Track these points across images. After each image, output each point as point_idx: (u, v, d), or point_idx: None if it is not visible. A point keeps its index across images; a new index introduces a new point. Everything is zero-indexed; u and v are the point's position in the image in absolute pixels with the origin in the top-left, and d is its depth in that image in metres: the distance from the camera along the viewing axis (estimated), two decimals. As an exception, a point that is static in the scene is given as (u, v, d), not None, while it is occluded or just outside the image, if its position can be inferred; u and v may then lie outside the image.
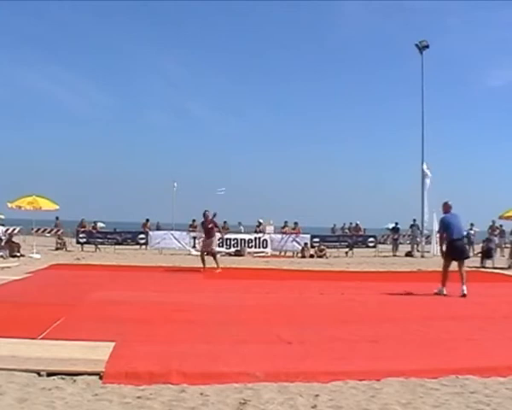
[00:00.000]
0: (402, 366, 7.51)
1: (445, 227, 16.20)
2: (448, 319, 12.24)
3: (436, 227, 38.22)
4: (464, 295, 15.29)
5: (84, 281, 17.78)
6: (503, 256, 33.86)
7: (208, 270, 22.24)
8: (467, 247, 15.98)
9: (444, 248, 16.28)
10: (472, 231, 38.99)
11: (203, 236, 25.01)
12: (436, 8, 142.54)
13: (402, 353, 8.59)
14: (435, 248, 37.42)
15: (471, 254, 37.27)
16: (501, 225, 38.65)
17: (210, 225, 23.76)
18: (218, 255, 25.93)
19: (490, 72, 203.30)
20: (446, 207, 16.65)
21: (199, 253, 30.66)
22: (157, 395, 6.28)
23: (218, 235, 24.87)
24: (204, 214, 23.92)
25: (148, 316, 11.55)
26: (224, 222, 38.42)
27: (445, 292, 15.67)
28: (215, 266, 22.82)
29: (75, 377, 6.83)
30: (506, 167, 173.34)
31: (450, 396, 6.41)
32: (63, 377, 6.88)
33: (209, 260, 22.95)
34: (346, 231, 43.28)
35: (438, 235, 17.44)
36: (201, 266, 22.96)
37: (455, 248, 16.20)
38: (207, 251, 23.83)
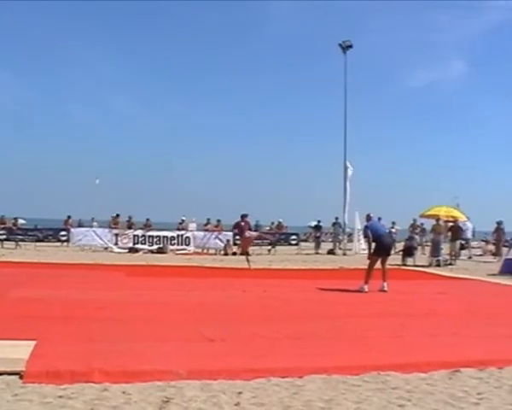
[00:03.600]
0: (324, 363, 7.59)
1: (373, 230, 16.79)
2: (370, 316, 12.45)
3: (358, 225, 38.94)
4: (384, 291, 15.65)
5: (3, 279, 17.42)
6: (424, 254, 34.52)
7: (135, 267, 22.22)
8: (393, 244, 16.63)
9: (372, 248, 16.69)
10: (393, 230, 39.67)
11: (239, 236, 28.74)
12: (358, 9, 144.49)
13: (324, 350, 8.68)
14: (357, 246, 38.07)
15: (393, 252, 38.06)
16: (422, 224, 39.42)
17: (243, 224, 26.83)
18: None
19: (410, 73, 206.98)
20: (368, 219, 17.46)
21: (122, 250, 30.77)
22: (79, 394, 6.20)
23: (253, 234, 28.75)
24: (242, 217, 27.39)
25: (69, 314, 11.36)
26: (147, 219, 38.26)
27: (366, 289, 15.94)
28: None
29: (-6, 377, 6.71)
30: (427, 167, 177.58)
31: (372, 392, 6.51)
32: (-19, 377, 6.74)
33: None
34: (269, 228, 43.45)
35: (364, 238, 18.20)
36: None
37: (384, 245, 16.84)
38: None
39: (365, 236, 17.69)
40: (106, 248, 35.63)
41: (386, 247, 16.97)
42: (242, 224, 26.91)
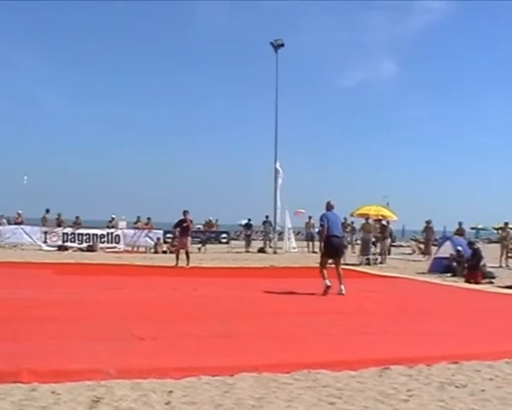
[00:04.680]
0: (255, 361, 7.61)
1: (326, 222, 16.25)
2: (300, 314, 12.56)
3: (289, 224, 39.22)
4: (342, 294, 15.49)
5: None
6: (355, 253, 34.93)
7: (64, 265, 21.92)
8: (345, 245, 16.13)
9: (323, 245, 16.51)
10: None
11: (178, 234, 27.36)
12: (291, 8, 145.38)
13: (255, 348, 8.73)
14: (287, 244, 38.32)
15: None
16: (352, 222, 39.84)
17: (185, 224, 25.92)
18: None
19: (342, 73, 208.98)
20: (329, 206, 16.79)
21: (51, 248, 30.34)
22: (6, 394, 6.09)
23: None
24: (184, 214, 26.09)
25: (-4, 313, 11.20)
26: (77, 217, 37.83)
27: (328, 284, 15.59)
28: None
29: None
30: (358, 166, 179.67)
31: (303, 390, 6.56)
32: None
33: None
34: (199, 227, 43.41)
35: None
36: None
37: (333, 246, 16.41)
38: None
39: (321, 225, 16.80)
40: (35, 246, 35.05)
41: (333, 247, 16.41)
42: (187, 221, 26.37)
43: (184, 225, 25.89)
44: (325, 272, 15.97)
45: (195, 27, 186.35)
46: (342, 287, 15.74)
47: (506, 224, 34.33)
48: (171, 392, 6.31)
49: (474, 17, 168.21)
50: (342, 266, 16.39)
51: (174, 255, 25.84)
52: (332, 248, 16.45)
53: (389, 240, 33.68)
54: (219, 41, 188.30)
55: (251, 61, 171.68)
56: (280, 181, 39.07)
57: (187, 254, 25.26)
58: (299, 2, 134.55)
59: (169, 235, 36.98)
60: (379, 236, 31.37)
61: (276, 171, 39.06)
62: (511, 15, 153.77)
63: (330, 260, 16.53)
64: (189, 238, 26.59)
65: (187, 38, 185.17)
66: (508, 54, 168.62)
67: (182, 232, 26.12)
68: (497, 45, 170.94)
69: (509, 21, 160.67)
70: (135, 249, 36.63)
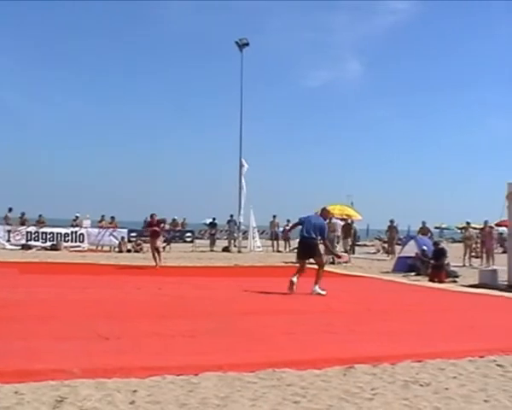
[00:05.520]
0: (219, 361, 7.60)
1: (301, 223, 16.48)
2: (265, 313, 12.57)
3: (253, 223, 39.29)
4: (315, 294, 15.59)
5: None
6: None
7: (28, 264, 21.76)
8: (315, 248, 16.25)
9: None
10: (288, 228, 40.12)
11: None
12: (258, 8, 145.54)
13: (219, 347, 8.73)
14: (252, 243, 38.37)
15: (287, 249, 38.53)
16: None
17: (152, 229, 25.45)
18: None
19: (308, 73, 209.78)
20: (321, 212, 17.47)
21: (14, 247, 30.12)
22: (-31, 395, 6.04)
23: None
24: (151, 217, 25.89)
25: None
26: (40, 216, 37.51)
27: (292, 280, 15.66)
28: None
29: None
30: (323, 166, 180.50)
31: (268, 389, 6.56)
32: None
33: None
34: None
35: None
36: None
37: (301, 247, 16.72)
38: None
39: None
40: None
41: (302, 248, 16.67)
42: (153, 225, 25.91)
43: (150, 229, 25.71)
44: (297, 270, 16.19)
45: (162, 26, 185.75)
46: (315, 287, 15.76)
47: (468, 223, 34.80)
48: (135, 391, 6.28)
49: (437, 18, 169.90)
50: (307, 266, 16.41)
51: (140, 255, 25.89)
52: (300, 249, 16.89)
53: (351, 239, 33.90)
54: (186, 40, 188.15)
55: (217, 61, 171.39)
56: (245, 179, 39.08)
57: (158, 253, 24.89)
58: (265, 2, 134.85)
59: (133, 234, 36.85)
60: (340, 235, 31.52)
61: (241, 169, 39.05)
62: (474, 15, 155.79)
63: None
64: (160, 238, 25.84)
65: (153, 37, 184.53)
66: (471, 53, 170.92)
67: (151, 235, 25.73)
68: (461, 45, 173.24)
69: (472, 21, 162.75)
70: (99, 248, 36.33)
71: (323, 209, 17.67)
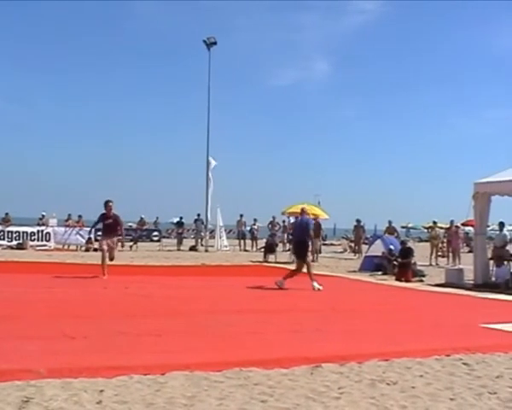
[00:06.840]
0: (186, 360, 7.60)
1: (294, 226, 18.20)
2: (233, 312, 12.56)
3: (220, 222, 39.31)
4: (314, 290, 16.64)
5: None
6: (288, 251, 35.14)
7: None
8: (305, 248, 17.00)
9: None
10: (255, 226, 40.35)
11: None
12: (227, 7, 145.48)
13: (186, 346, 8.74)
14: (219, 242, 38.41)
15: (254, 249, 38.64)
16: (284, 221, 40.04)
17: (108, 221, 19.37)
18: None
19: (276, 72, 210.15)
20: (302, 212, 18.27)
21: None
22: None
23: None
24: (105, 205, 19.41)
25: None
26: (6, 214, 37.19)
27: (283, 283, 16.72)
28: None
29: None
30: (290, 165, 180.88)
31: (235, 388, 6.56)
32: None
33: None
34: (131, 224, 43.10)
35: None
36: None
37: (294, 248, 18.51)
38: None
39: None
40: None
41: (293, 247, 18.23)
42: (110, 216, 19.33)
43: (106, 222, 19.34)
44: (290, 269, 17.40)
45: (130, 25, 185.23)
46: (313, 284, 16.88)
47: (435, 223, 35.08)
48: (102, 391, 6.24)
49: (405, 18, 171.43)
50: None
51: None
52: (294, 250, 18.69)
53: (320, 238, 34.03)
54: (154, 38, 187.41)
55: (185, 59, 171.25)
56: (212, 178, 39.06)
57: (111, 258, 19.52)
58: (234, 1, 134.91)
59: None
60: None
61: (208, 168, 39.06)
62: (441, 16, 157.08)
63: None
64: (115, 239, 20.00)
65: (121, 35, 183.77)
66: (439, 53, 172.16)
67: (105, 230, 19.70)
68: (428, 46, 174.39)
69: (439, 21, 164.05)
70: (65, 247, 36.15)
71: (302, 209, 18.50)
